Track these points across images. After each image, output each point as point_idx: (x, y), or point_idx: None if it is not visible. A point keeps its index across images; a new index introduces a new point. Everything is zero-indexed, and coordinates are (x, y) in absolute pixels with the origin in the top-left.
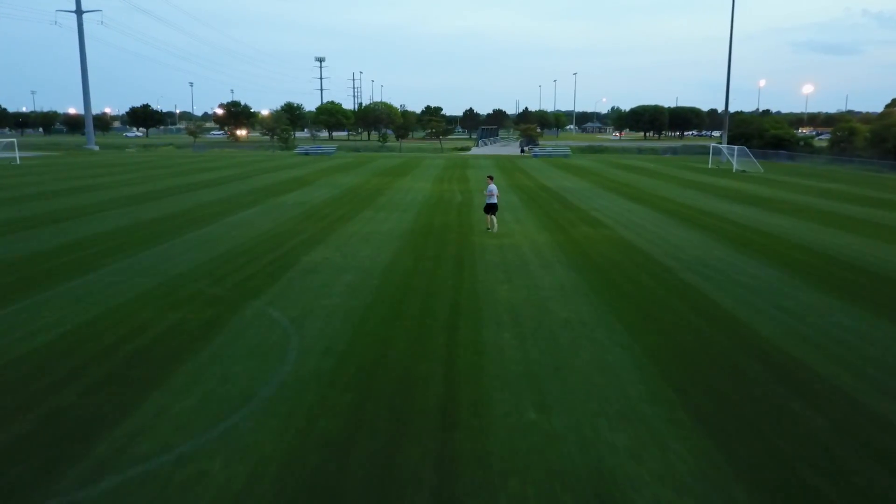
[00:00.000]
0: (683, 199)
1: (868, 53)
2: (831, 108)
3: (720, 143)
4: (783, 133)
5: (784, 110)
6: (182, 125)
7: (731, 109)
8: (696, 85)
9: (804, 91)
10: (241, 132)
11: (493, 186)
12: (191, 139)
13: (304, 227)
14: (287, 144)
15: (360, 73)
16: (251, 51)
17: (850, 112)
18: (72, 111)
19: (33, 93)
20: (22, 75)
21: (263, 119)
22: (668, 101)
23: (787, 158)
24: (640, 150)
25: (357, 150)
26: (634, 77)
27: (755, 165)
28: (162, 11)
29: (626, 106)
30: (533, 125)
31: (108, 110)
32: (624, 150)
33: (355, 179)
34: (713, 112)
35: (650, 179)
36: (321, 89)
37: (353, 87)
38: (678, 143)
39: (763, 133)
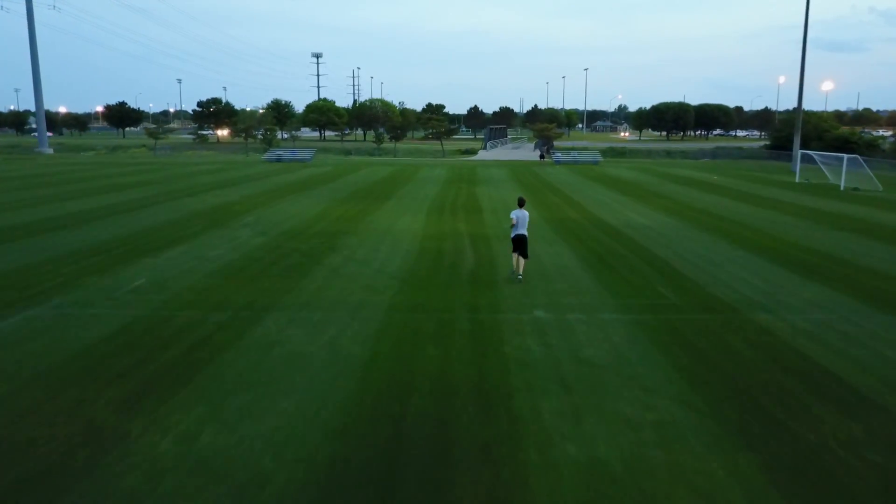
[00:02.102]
0: (872, 262)
1: (875, 51)
2: (841, 105)
3: (758, 143)
4: (849, 134)
5: (794, 108)
6: (175, 124)
7: (744, 108)
8: (703, 83)
9: (823, 88)
10: (223, 132)
11: (522, 213)
12: (181, 140)
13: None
14: (271, 146)
15: (358, 69)
16: (254, 49)
17: (867, 110)
18: (62, 109)
19: (17, 90)
20: (7, 73)
21: (244, 118)
22: (674, 99)
23: (859, 165)
24: (668, 153)
25: (348, 152)
26: (639, 75)
27: (872, 182)
28: (160, 11)
29: (633, 104)
30: (551, 124)
31: (99, 109)
32: (650, 154)
33: (309, 210)
34: (739, 109)
35: (747, 206)
36: (318, 86)
37: (354, 85)
38: (710, 145)
39: (823, 134)
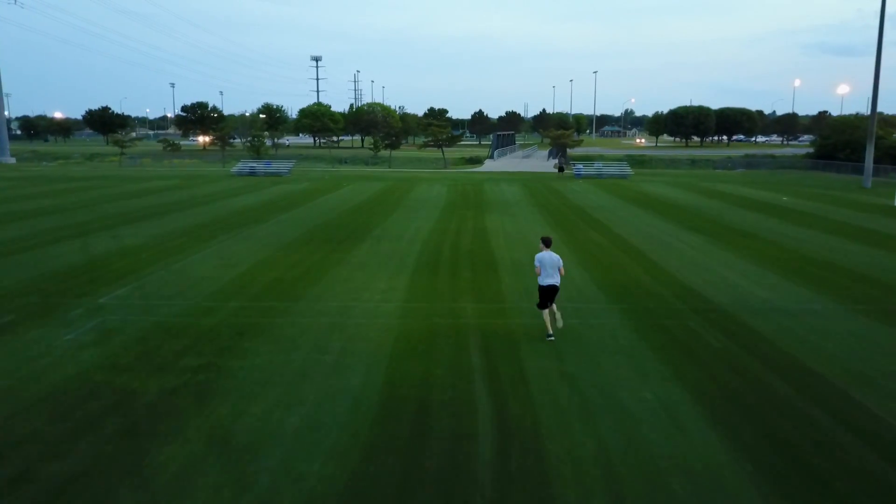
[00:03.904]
0: None
1: (881, 55)
2: (850, 109)
3: (784, 150)
4: None
5: (802, 112)
6: (172, 129)
7: (763, 112)
8: (708, 87)
9: (839, 92)
10: (205, 138)
11: (551, 256)
12: (159, 147)
13: None
14: (259, 154)
15: (358, 72)
16: (256, 55)
17: (880, 114)
18: (58, 115)
19: (7, 95)
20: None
21: (232, 123)
22: (679, 104)
23: None
24: (693, 162)
25: (343, 160)
26: (644, 80)
27: None
28: (159, 17)
29: (638, 109)
30: (568, 130)
31: None
32: (674, 162)
33: (231, 268)
34: (760, 114)
35: (881, 252)
36: (317, 90)
37: (355, 89)
38: (736, 152)
39: (877, 141)
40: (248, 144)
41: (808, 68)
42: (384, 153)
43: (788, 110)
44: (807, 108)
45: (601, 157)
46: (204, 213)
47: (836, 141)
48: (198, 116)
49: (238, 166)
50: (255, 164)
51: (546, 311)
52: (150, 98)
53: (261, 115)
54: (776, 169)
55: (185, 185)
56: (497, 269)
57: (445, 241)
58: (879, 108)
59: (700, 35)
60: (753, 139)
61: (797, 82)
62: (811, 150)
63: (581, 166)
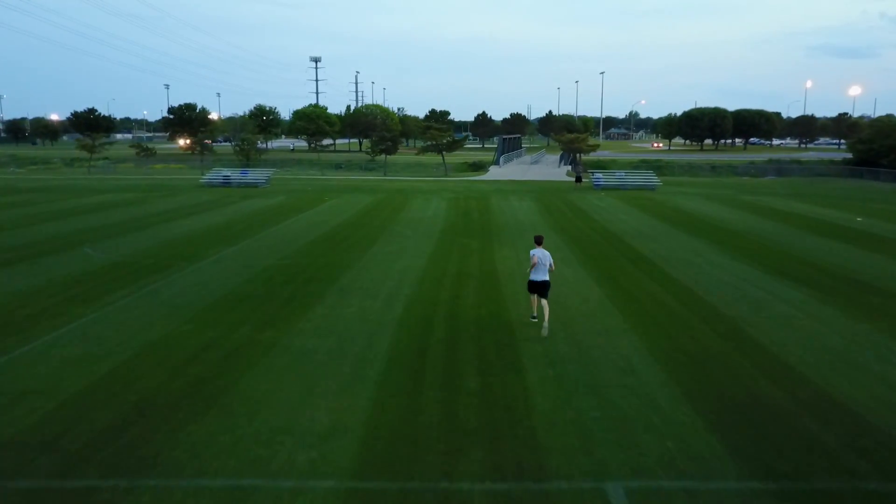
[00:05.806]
0: None
1: (886, 57)
2: (858, 111)
3: (800, 153)
4: None
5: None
6: (168, 133)
7: (750, 112)
8: (711, 89)
9: (851, 93)
10: (184, 142)
11: (542, 253)
12: (133, 152)
13: None
14: (249, 160)
15: (358, 73)
16: (258, 58)
17: (890, 116)
18: (55, 117)
19: (1, 97)
20: None
21: (222, 126)
22: (683, 106)
23: None
24: (713, 168)
25: (339, 166)
26: (646, 82)
27: None
28: (161, 21)
29: (642, 111)
30: (583, 134)
31: None
32: (692, 168)
33: (78, 376)
34: (778, 115)
35: None
36: (317, 92)
37: (356, 91)
38: (757, 156)
39: None
40: (238, 149)
41: (814, 70)
42: (380, 158)
43: (800, 112)
44: (814, 111)
45: (614, 163)
46: (127, 244)
47: (880, 146)
48: (184, 119)
49: (209, 175)
50: (228, 173)
51: (535, 297)
52: (151, 101)
53: (261, 117)
54: (812, 177)
55: (141, 199)
56: (521, 369)
57: (440, 298)
58: (888, 111)
59: (703, 37)
60: (769, 143)
61: (809, 83)
62: (849, 155)
63: (601, 175)
